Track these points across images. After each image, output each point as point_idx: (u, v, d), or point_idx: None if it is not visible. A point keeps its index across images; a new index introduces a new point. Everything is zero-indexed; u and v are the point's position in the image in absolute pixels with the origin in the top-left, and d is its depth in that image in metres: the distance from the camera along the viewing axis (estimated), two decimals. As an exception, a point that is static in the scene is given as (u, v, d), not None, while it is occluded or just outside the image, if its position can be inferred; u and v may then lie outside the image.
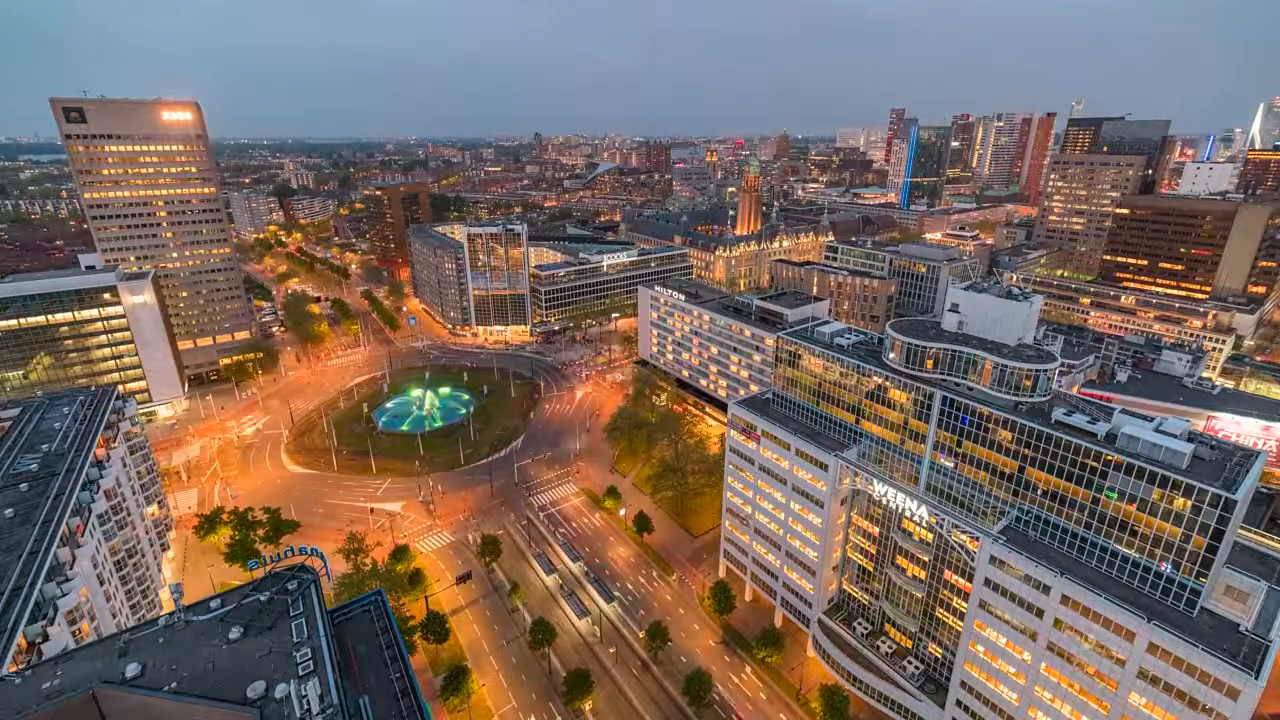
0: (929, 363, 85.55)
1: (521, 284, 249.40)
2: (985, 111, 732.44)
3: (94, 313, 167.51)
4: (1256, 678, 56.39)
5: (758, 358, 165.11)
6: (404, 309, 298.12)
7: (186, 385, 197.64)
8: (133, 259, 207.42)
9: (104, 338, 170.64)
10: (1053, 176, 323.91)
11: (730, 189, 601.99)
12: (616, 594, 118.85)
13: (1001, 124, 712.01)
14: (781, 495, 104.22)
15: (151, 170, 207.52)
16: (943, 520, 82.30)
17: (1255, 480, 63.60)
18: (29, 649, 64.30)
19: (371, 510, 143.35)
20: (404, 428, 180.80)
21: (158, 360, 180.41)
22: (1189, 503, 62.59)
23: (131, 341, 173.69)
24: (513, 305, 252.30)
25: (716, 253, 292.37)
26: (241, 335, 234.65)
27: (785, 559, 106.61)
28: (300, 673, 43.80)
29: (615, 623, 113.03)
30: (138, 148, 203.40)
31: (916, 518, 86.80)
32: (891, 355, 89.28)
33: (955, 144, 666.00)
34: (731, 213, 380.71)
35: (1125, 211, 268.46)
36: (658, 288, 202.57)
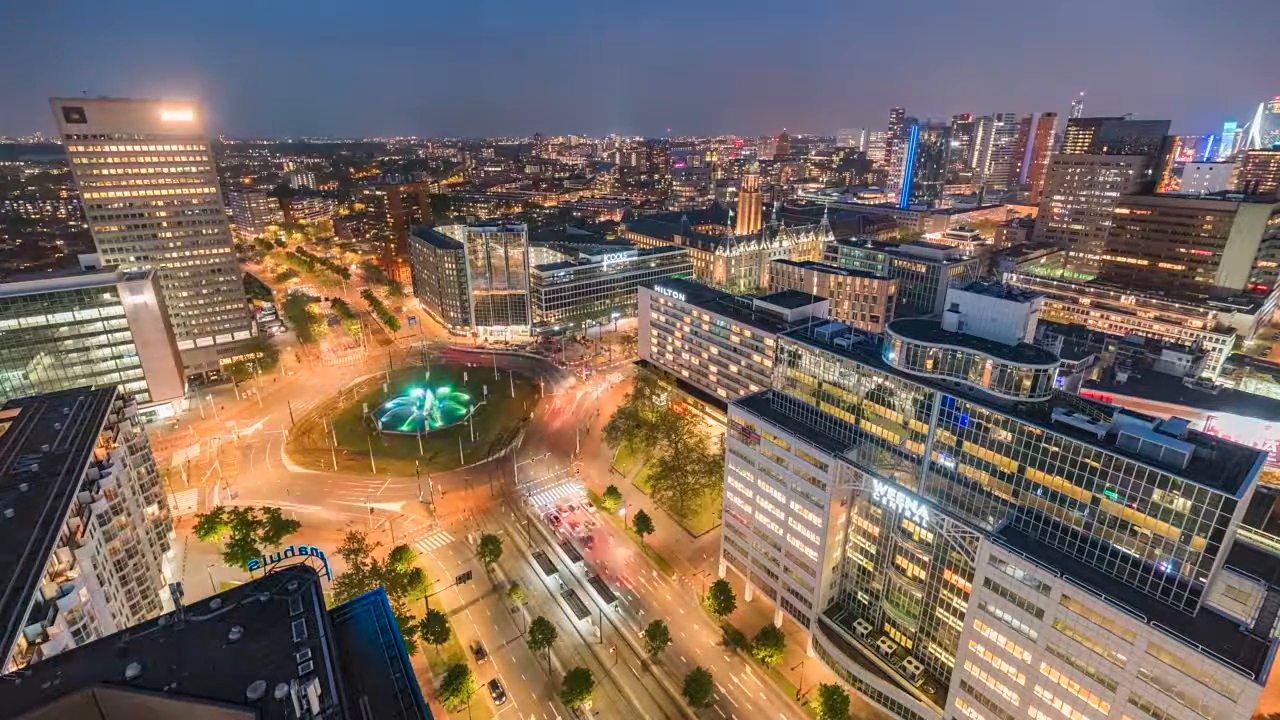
0: (929, 363, 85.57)
1: (521, 284, 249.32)
2: (985, 111, 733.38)
3: (94, 313, 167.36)
4: (1256, 679, 56.40)
5: (758, 358, 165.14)
6: (404, 309, 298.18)
7: (186, 385, 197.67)
8: (133, 259, 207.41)
9: (104, 338, 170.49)
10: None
11: (730, 189, 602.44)
12: (616, 594, 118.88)
13: (1001, 124, 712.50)
14: (781, 495, 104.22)
15: (151, 170, 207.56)
16: (942, 520, 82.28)
17: (1255, 480, 63.58)
18: (29, 649, 64.33)
19: (371, 510, 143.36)
20: (404, 428, 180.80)
21: (158, 360, 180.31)
22: (1189, 503, 62.61)
23: (131, 341, 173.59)
24: (513, 305, 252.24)
25: (716, 253, 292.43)
26: (241, 335, 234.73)
27: (785, 559, 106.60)
28: (300, 673, 43.79)
29: (615, 623, 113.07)
30: (138, 148, 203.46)
31: (916, 518, 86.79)
32: (892, 355, 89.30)
33: (955, 144, 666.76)
34: (731, 213, 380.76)
35: (1125, 211, 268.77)
36: (658, 288, 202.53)
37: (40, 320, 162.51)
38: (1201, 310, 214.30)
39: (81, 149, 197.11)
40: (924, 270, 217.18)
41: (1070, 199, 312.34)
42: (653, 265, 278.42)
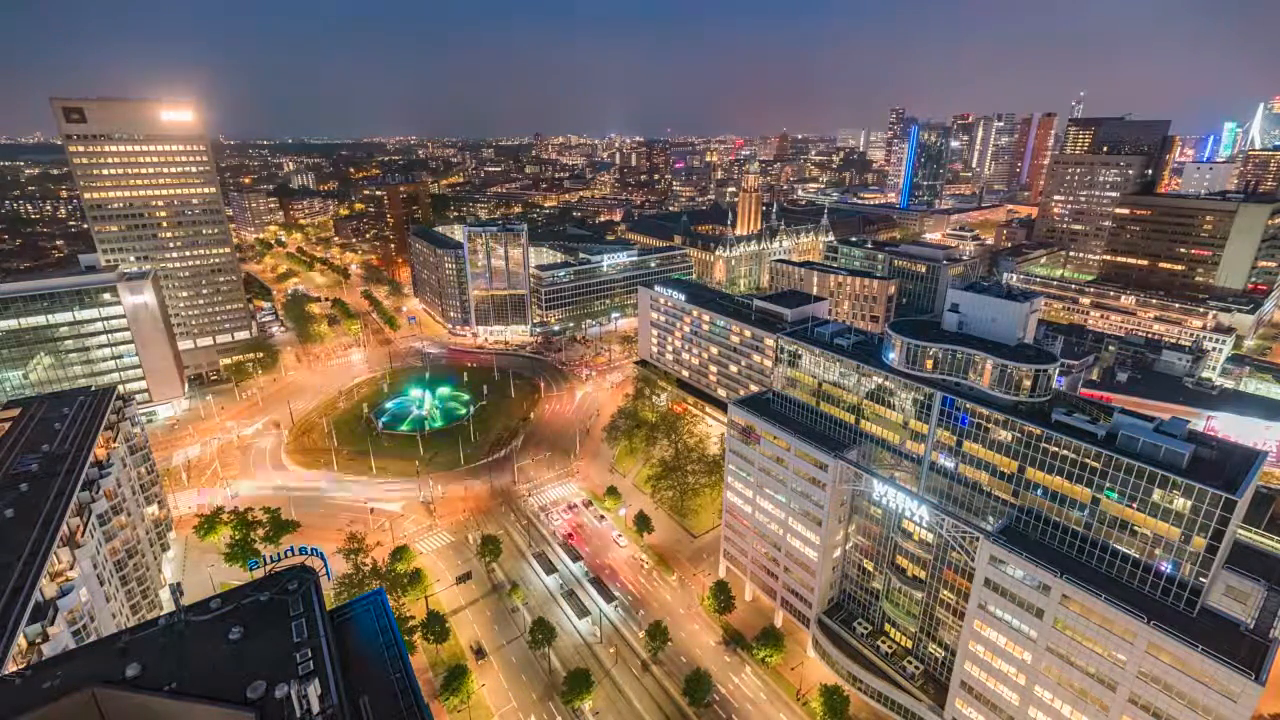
0: (929, 363, 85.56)
1: (521, 284, 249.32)
2: (985, 111, 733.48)
3: (94, 313, 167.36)
4: (1256, 679, 56.39)
5: (758, 358, 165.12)
6: (404, 309, 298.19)
7: (186, 385, 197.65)
8: (133, 259, 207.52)
9: (104, 338, 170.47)
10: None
11: (730, 189, 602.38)
12: (616, 594, 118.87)
13: (1001, 124, 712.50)
14: (782, 495, 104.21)
15: (151, 170, 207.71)
16: (942, 520, 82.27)
17: (1255, 480, 63.56)
18: (29, 649, 64.33)
19: (371, 510, 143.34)
20: (404, 428, 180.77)
21: (158, 360, 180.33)
22: (1189, 503, 62.61)
23: (131, 341, 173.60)
24: (513, 305, 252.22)
25: (716, 253, 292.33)
26: (241, 335, 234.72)
27: (785, 559, 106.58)
28: (300, 673, 43.78)
29: (615, 623, 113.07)
30: (138, 148, 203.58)
31: (916, 518, 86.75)
32: (892, 355, 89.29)
33: (955, 144, 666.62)
34: (731, 213, 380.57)
35: (1125, 211, 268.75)
36: (658, 288, 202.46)
37: (40, 320, 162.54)
38: (1201, 310, 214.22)
39: (81, 149, 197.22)
40: (924, 270, 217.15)
41: (1070, 199, 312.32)
42: (653, 265, 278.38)
